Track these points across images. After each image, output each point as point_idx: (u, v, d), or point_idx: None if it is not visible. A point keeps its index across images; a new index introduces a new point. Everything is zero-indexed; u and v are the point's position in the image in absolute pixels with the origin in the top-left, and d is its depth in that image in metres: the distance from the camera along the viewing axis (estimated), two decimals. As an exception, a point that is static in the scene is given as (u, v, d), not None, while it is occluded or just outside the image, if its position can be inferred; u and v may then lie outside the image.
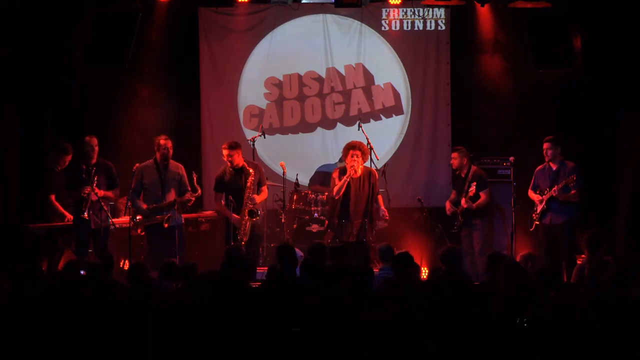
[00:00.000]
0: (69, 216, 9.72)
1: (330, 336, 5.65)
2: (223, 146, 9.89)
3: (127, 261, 9.86)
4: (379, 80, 11.80)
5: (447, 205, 10.54)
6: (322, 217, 10.54)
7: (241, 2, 11.22)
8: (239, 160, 9.83)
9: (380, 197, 10.06)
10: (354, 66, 11.79)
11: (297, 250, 8.04)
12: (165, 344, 5.67)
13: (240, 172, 9.87)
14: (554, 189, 9.72)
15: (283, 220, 10.39)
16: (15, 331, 5.78)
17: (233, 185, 9.85)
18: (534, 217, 9.90)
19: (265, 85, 11.80)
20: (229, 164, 9.85)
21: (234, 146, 9.82)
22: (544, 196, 9.80)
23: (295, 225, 10.68)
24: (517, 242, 9.84)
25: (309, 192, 10.91)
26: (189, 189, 9.85)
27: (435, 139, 11.76)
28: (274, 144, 11.61)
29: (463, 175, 10.45)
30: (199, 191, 9.87)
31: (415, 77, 11.76)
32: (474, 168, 10.45)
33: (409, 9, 11.65)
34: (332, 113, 11.79)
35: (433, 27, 11.68)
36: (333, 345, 5.62)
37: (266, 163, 11.43)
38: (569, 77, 10.71)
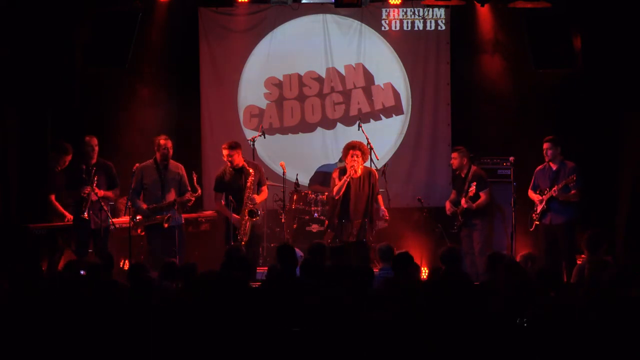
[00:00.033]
0: (69, 216, 9.72)
1: (330, 336, 5.65)
2: (223, 146, 9.89)
3: (127, 261, 9.86)
4: (379, 80, 11.81)
5: (447, 205, 10.54)
6: (322, 217, 10.54)
7: (241, 2, 11.22)
8: (239, 160, 9.83)
9: (380, 197, 10.07)
10: (354, 66, 11.79)
11: (297, 250, 8.04)
12: (165, 344, 5.67)
13: (240, 172, 9.87)
14: (554, 189, 9.72)
15: (283, 220, 10.39)
16: (15, 331, 5.78)
17: (233, 185, 9.85)
18: (534, 217, 9.90)
19: (265, 85, 11.80)
20: (229, 164, 9.85)
21: (234, 146, 9.82)
22: (544, 196, 9.80)
23: (295, 225, 10.68)
24: (517, 242, 9.84)
25: (309, 192, 10.91)
26: (189, 189, 9.85)
27: (435, 139, 11.76)
28: (274, 144, 11.61)
29: (463, 175, 10.45)
30: (199, 191, 9.88)
31: (415, 77, 11.76)
32: (474, 168, 10.45)
33: (409, 9, 11.65)
34: (332, 113, 11.79)
35: (433, 27, 11.68)
36: (333, 345, 5.62)
37: (266, 163, 11.43)
38: (569, 77, 10.70)
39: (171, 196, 9.81)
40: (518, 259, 8.72)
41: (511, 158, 10.02)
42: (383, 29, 11.73)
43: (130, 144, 10.92)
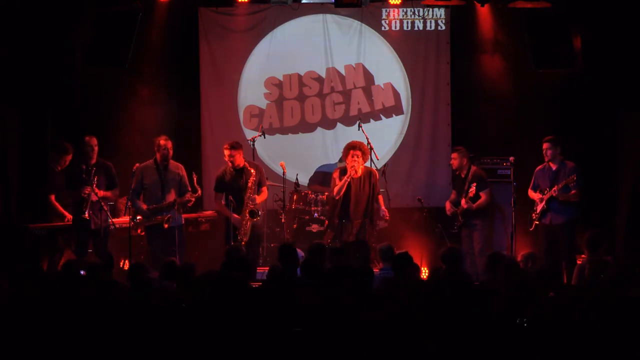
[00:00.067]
0: (69, 216, 9.71)
1: (330, 336, 5.65)
2: (225, 146, 9.89)
3: (127, 261, 9.86)
4: (379, 80, 11.80)
5: (447, 205, 10.54)
6: (322, 217, 10.54)
7: (241, 2, 11.22)
8: (240, 160, 9.84)
9: (380, 197, 10.07)
10: (354, 66, 11.79)
11: (298, 250, 8.04)
12: (165, 344, 5.67)
13: (241, 172, 9.87)
14: (554, 188, 9.72)
15: (283, 220, 10.39)
16: (15, 331, 5.78)
17: (233, 185, 9.85)
18: (534, 217, 9.91)
19: (265, 85, 11.80)
20: (230, 164, 9.85)
21: (235, 146, 9.83)
22: (544, 196, 9.80)
23: (295, 225, 10.68)
24: (517, 242, 9.83)
25: (309, 192, 10.91)
26: (189, 189, 9.85)
27: (435, 139, 11.76)
28: (274, 144, 11.61)
29: (463, 176, 10.45)
30: (199, 192, 9.88)
31: (415, 77, 11.76)
32: (473, 168, 10.44)
33: (409, 9, 11.65)
34: (332, 113, 11.79)
35: (433, 27, 11.68)
36: (333, 345, 5.62)
37: (266, 163, 11.43)
38: (569, 77, 10.70)
39: (171, 197, 9.81)
40: (519, 258, 8.73)
41: (511, 158, 10.02)
42: (383, 29, 11.73)
43: (130, 144, 10.92)
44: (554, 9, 10.19)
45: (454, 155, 10.54)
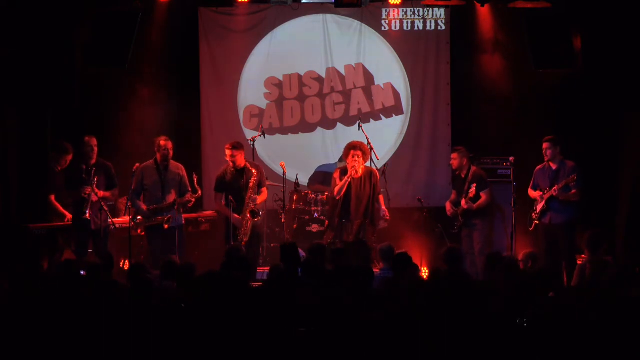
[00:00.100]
0: (69, 216, 9.72)
1: (330, 336, 5.65)
2: (226, 146, 9.89)
3: (127, 261, 9.86)
4: (379, 80, 11.80)
5: (448, 206, 10.53)
6: (322, 217, 10.55)
7: (241, 2, 11.22)
8: (241, 160, 9.85)
9: (381, 197, 10.06)
10: (354, 66, 11.79)
11: (300, 250, 8.05)
12: (166, 344, 5.67)
13: (241, 172, 9.88)
14: (554, 188, 9.72)
15: (283, 220, 10.39)
16: (15, 331, 5.78)
17: (234, 186, 9.85)
18: (534, 217, 9.91)
19: (265, 85, 11.80)
20: (231, 164, 9.85)
21: (237, 147, 9.84)
22: (544, 195, 9.80)
23: (295, 225, 10.68)
24: (517, 242, 9.83)
25: (309, 192, 10.91)
26: (190, 189, 9.85)
27: (435, 139, 11.76)
28: (274, 144, 11.61)
29: (463, 176, 10.44)
30: (199, 192, 9.88)
31: (415, 77, 11.76)
32: (473, 168, 10.44)
33: (409, 9, 11.65)
34: (332, 113, 11.79)
35: (433, 27, 11.68)
36: (333, 345, 5.62)
37: (266, 163, 11.43)
38: (569, 77, 10.70)
39: (171, 197, 9.81)
40: (520, 257, 8.72)
41: (511, 158, 10.01)
42: (383, 29, 11.73)
43: (130, 144, 10.92)
44: (554, 9, 10.19)
45: (454, 155, 10.53)
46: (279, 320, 5.81)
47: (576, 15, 10.30)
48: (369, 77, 11.80)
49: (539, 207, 9.85)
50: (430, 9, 11.60)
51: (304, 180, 11.22)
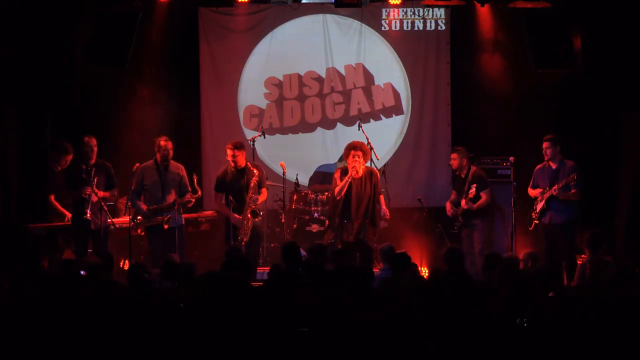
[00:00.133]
0: (69, 215, 9.72)
1: (330, 336, 5.65)
2: (228, 146, 9.89)
3: (127, 261, 9.86)
4: (379, 80, 11.80)
5: (448, 206, 10.52)
6: (322, 217, 10.54)
7: (241, 2, 11.22)
8: (242, 160, 9.85)
9: (382, 197, 10.05)
10: (354, 66, 11.79)
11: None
12: (166, 345, 5.67)
13: (242, 172, 9.88)
14: (554, 187, 9.72)
15: (283, 220, 10.39)
16: (16, 331, 5.78)
17: (234, 186, 9.85)
18: (533, 217, 9.91)
19: (265, 85, 11.80)
20: (232, 164, 9.85)
21: (239, 146, 9.85)
22: (544, 194, 9.80)
23: (295, 225, 10.68)
24: (517, 242, 9.83)
25: (309, 192, 10.91)
26: (189, 189, 9.85)
27: (435, 139, 11.76)
28: (274, 144, 11.61)
29: (463, 176, 10.44)
30: (199, 192, 9.88)
31: (415, 77, 11.76)
32: (473, 168, 10.44)
33: (409, 9, 11.64)
34: (332, 113, 11.79)
35: (433, 27, 11.68)
36: (332, 345, 5.62)
37: (266, 163, 11.43)
38: (569, 77, 10.70)
39: (171, 197, 9.81)
40: (520, 257, 8.72)
41: (511, 158, 10.01)
42: (383, 29, 11.72)
43: (130, 144, 10.92)
44: (554, 9, 10.19)
45: (454, 155, 10.53)
46: (279, 320, 5.81)
47: (576, 15, 10.30)
48: (369, 77, 11.80)
49: (539, 206, 9.85)
50: (430, 9, 11.60)
51: (304, 180, 11.22)
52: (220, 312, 5.77)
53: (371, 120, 11.72)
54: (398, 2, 11.26)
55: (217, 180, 10.01)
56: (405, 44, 11.75)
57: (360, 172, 9.76)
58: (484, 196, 10.25)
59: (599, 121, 10.60)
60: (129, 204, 9.69)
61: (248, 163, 9.90)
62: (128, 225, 9.58)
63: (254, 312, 5.82)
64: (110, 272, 7.55)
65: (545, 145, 9.90)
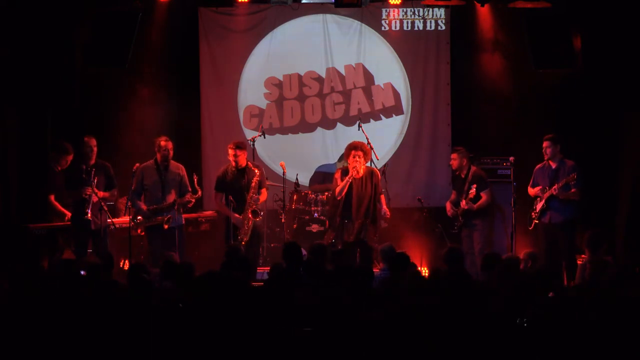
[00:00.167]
0: (69, 214, 9.72)
1: (330, 336, 5.66)
2: (229, 145, 9.89)
3: (127, 261, 9.86)
4: (379, 80, 11.80)
5: (448, 206, 10.52)
6: (322, 217, 10.55)
7: (241, 2, 11.21)
8: (243, 160, 9.86)
9: (383, 197, 10.05)
10: (354, 66, 11.79)
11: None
12: (166, 345, 5.67)
13: (243, 172, 9.88)
14: (554, 187, 9.72)
15: (283, 220, 10.39)
16: (16, 331, 5.78)
17: (235, 185, 9.86)
18: (533, 216, 9.91)
19: (265, 85, 11.80)
20: (233, 163, 9.85)
21: (240, 146, 9.86)
22: (544, 194, 9.80)
23: (295, 225, 10.68)
24: (517, 242, 9.83)
25: (309, 192, 10.92)
26: (190, 189, 9.85)
27: (435, 139, 11.76)
28: (274, 144, 11.61)
29: (463, 176, 10.44)
30: (199, 192, 9.88)
31: (415, 77, 11.76)
32: (473, 168, 10.44)
33: (409, 9, 11.65)
34: (332, 113, 11.79)
35: (433, 27, 11.68)
36: (332, 345, 5.62)
37: (266, 163, 11.43)
38: (569, 77, 10.71)
39: (171, 197, 9.81)
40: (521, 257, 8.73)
41: (511, 158, 10.01)
42: (383, 29, 11.73)
43: (130, 144, 10.92)
44: (554, 9, 10.19)
45: (454, 155, 10.53)
46: (279, 320, 5.81)
47: (576, 15, 10.30)
48: (369, 77, 11.80)
49: (539, 206, 9.84)
50: (430, 9, 11.61)
51: (304, 180, 11.22)
52: (220, 312, 5.77)
53: (371, 120, 11.72)
54: (398, 2, 11.26)
55: (217, 180, 10.01)
56: (405, 44, 11.75)
57: (361, 172, 9.75)
58: (484, 196, 10.25)
59: (599, 121, 10.60)
60: (129, 204, 9.70)
61: (249, 163, 9.91)
62: (128, 225, 9.58)
63: (254, 312, 5.81)
64: (110, 272, 7.55)
65: (545, 144, 9.90)
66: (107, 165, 9.98)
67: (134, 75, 11.16)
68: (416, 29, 11.70)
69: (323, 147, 11.80)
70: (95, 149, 9.85)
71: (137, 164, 9.83)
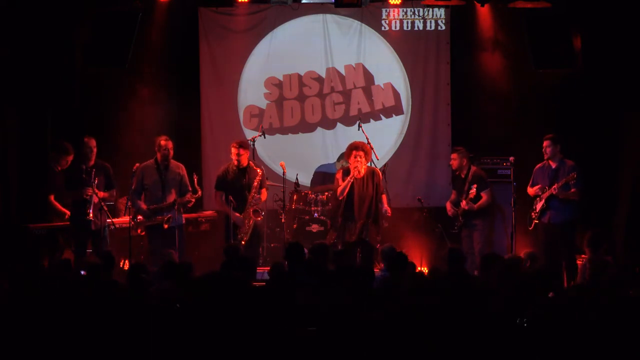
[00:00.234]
0: (69, 213, 9.72)
1: (330, 336, 5.66)
2: (232, 144, 9.90)
3: (127, 261, 9.86)
4: (379, 80, 11.80)
5: (448, 206, 10.52)
6: (322, 217, 10.55)
7: (241, 2, 11.21)
8: (245, 160, 9.87)
9: (384, 197, 10.05)
10: (354, 66, 11.79)
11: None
12: (166, 345, 5.67)
13: (244, 171, 9.89)
14: (553, 187, 9.72)
15: (283, 220, 10.39)
16: (16, 331, 5.78)
17: (235, 184, 9.87)
18: (533, 216, 9.91)
19: (265, 85, 11.80)
20: (235, 162, 9.86)
21: (244, 145, 9.89)
22: (544, 194, 9.80)
23: (295, 225, 10.68)
24: (517, 242, 9.83)
25: (309, 192, 10.92)
26: (190, 189, 9.85)
27: (435, 139, 11.76)
28: (274, 144, 11.61)
29: (463, 176, 10.44)
30: (199, 192, 9.88)
31: (415, 77, 11.76)
32: (473, 168, 10.44)
33: (409, 9, 11.65)
34: (332, 113, 11.79)
35: (433, 27, 11.68)
36: (332, 345, 5.62)
37: (266, 163, 11.43)
38: (569, 77, 10.71)
39: (172, 197, 9.81)
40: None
41: (511, 158, 10.01)
42: (383, 29, 11.73)
43: (130, 144, 10.92)
44: (554, 9, 10.19)
45: (454, 155, 10.53)
46: (279, 320, 5.81)
47: (576, 15, 10.31)
48: (369, 77, 11.80)
49: (539, 206, 9.84)
50: (430, 9, 11.60)
51: (304, 180, 11.22)
52: (220, 312, 5.76)
53: (371, 120, 11.72)
54: (398, 2, 11.26)
55: (217, 179, 10.02)
56: (405, 44, 11.75)
57: (362, 172, 9.76)
58: (484, 196, 10.25)
59: (599, 121, 10.60)
60: (129, 203, 9.70)
61: (250, 162, 9.92)
62: (128, 225, 9.58)
63: (254, 312, 5.81)
64: (110, 272, 7.55)
65: (545, 144, 9.90)
66: (107, 166, 9.98)
67: (134, 75, 11.15)
68: (416, 29, 11.70)
69: (323, 147, 11.80)
70: (94, 149, 9.85)
71: (137, 164, 9.83)
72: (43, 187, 9.81)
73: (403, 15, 11.70)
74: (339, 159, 11.16)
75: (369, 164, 9.96)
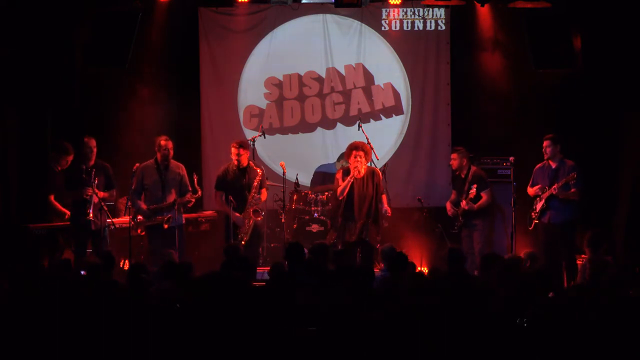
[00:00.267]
0: (69, 213, 9.71)
1: (330, 336, 5.66)
2: (233, 144, 9.90)
3: (127, 261, 9.86)
4: (379, 80, 11.80)
5: (448, 206, 10.52)
6: (322, 217, 10.55)
7: (241, 2, 11.21)
8: (245, 160, 9.87)
9: (384, 197, 10.05)
10: (354, 66, 11.79)
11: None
12: (166, 345, 5.67)
13: (244, 171, 9.89)
14: (553, 186, 9.72)
15: (283, 220, 10.39)
16: (15, 331, 5.78)
17: (235, 184, 9.87)
18: (533, 216, 9.91)
19: (265, 85, 11.80)
20: (235, 162, 9.86)
21: (244, 145, 9.89)
22: (544, 194, 9.80)
23: (295, 225, 10.68)
24: (517, 242, 9.83)
25: (309, 192, 10.92)
26: (190, 189, 9.85)
27: (435, 139, 11.76)
28: (274, 144, 11.61)
29: (463, 176, 10.44)
30: (199, 192, 9.89)
31: (415, 77, 11.76)
32: (473, 168, 10.44)
33: (409, 9, 11.65)
34: (332, 113, 11.79)
35: (433, 27, 11.68)
36: (332, 345, 5.62)
37: (266, 163, 11.43)
38: (569, 77, 10.71)
39: (172, 197, 9.81)
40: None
41: (511, 158, 10.01)
42: (383, 29, 11.73)
43: (130, 144, 10.92)
44: (554, 9, 10.19)
45: (454, 155, 10.53)
46: (279, 320, 5.81)
47: (576, 15, 10.31)
48: (369, 77, 11.80)
49: (539, 206, 9.85)
50: (430, 9, 11.61)
51: (304, 180, 11.22)
52: (220, 312, 5.77)
53: (371, 120, 11.72)
54: (398, 2, 11.26)
55: (217, 179, 10.02)
56: (405, 44, 11.75)
57: (362, 172, 9.76)
58: (484, 196, 10.25)
59: (599, 121, 10.60)
60: (129, 203, 9.70)
61: (250, 162, 9.92)
62: (128, 225, 9.58)
63: (254, 312, 5.81)
64: (110, 272, 7.55)
65: (545, 144, 9.90)
66: (107, 166, 9.99)
67: (134, 75, 11.16)
68: (416, 29, 11.70)
69: (323, 147, 11.80)
70: (94, 149, 9.85)
71: (137, 164, 9.83)
72: (43, 187, 9.81)
73: (403, 15, 11.70)
74: (339, 159, 11.16)
75: (369, 164, 9.96)
